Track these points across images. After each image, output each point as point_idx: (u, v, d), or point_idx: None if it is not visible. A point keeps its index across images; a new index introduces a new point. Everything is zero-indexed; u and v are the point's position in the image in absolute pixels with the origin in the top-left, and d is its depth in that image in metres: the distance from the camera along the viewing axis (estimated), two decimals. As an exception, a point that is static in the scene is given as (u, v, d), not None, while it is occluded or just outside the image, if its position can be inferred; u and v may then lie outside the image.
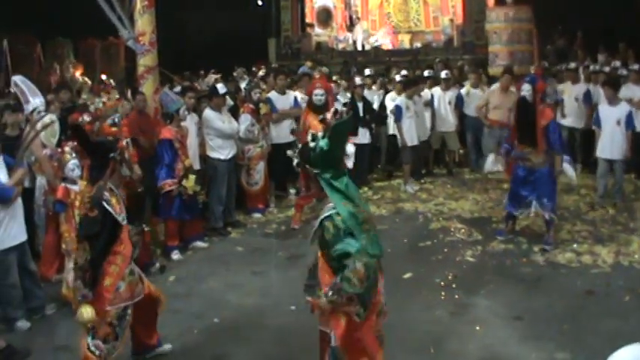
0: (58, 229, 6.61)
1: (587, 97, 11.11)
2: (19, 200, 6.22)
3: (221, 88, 9.13)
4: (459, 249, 8.01)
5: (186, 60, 18.55)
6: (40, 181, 7.29)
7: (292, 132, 9.09)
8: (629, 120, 9.19)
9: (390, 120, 11.44)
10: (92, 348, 4.70)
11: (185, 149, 8.20)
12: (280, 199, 10.52)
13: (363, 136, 10.83)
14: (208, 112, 8.88)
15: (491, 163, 8.59)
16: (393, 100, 11.47)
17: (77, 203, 6.44)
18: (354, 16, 25.40)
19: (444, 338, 5.70)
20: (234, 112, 9.62)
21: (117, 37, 11.40)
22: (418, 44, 24.18)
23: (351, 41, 25.04)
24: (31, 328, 6.20)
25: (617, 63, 12.72)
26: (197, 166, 8.57)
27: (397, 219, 9.29)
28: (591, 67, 12.67)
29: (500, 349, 5.50)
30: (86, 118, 5.24)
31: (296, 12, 25.29)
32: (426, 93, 11.73)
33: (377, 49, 23.60)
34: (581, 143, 11.27)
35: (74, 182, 6.50)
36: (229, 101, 9.84)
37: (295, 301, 6.53)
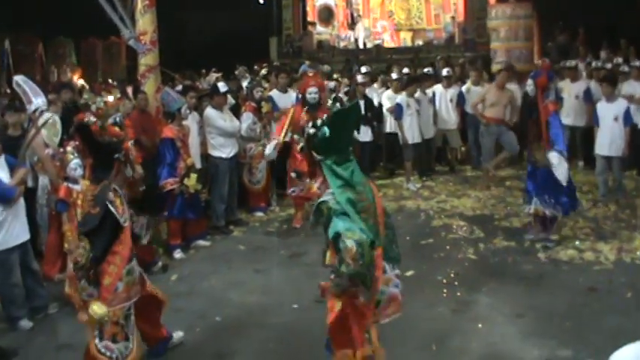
0: (61, 229, 6.61)
1: (588, 94, 11.07)
2: (22, 200, 6.24)
3: (222, 86, 9.13)
4: (460, 246, 8.01)
5: (187, 59, 18.57)
6: (43, 180, 7.29)
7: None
8: (627, 116, 9.14)
9: (388, 118, 11.43)
10: (102, 350, 4.71)
11: (187, 148, 8.20)
12: (282, 197, 10.51)
13: (365, 133, 10.85)
14: (210, 111, 8.88)
15: None
16: (389, 98, 11.47)
17: (79, 202, 6.46)
18: (355, 14, 25.40)
19: (446, 336, 5.69)
20: (236, 111, 9.62)
21: (118, 37, 11.39)
22: (420, 42, 24.19)
23: (352, 39, 25.04)
24: (34, 328, 6.21)
25: (619, 59, 12.68)
26: (199, 165, 8.57)
27: (399, 217, 9.28)
28: (593, 64, 12.67)
29: (502, 346, 5.50)
30: (92, 118, 5.27)
31: (297, 10, 25.29)
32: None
33: (378, 47, 23.60)
34: (583, 141, 11.23)
35: (76, 181, 6.49)
36: (231, 100, 9.84)
37: (297, 299, 6.57)
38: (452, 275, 7.10)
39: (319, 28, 25.74)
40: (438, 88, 12.12)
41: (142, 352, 5.15)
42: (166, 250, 8.13)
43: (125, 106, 9.18)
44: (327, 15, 25.70)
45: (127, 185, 5.29)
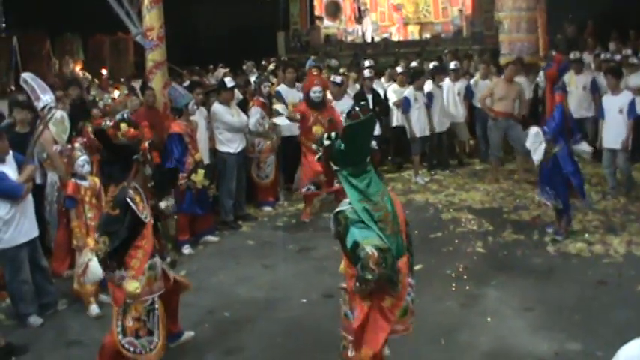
0: (70, 225, 6.64)
1: (594, 85, 11.00)
2: (30, 197, 6.26)
3: (229, 81, 9.13)
4: (469, 240, 7.99)
5: (195, 55, 18.58)
6: (52, 177, 7.31)
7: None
8: (631, 109, 8.97)
9: (395, 112, 11.40)
10: (126, 345, 4.80)
11: (195, 143, 8.21)
12: (290, 192, 10.52)
13: (373, 128, 10.81)
14: (217, 106, 8.89)
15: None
16: (395, 91, 11.44)
17: (87, 199, 6.49)
18: (362, 8, 25.37)
19: (455, 329, 5.68)
20: (244, 106, 9.62)
21: (126, 33, 11.43)
22: (427, 35, 24.14)
23: (360, 33, 25.01)
24: (44, 324, 6.23)
25: (628, 51, 12.58)
26: (207, 161, 8.58)
27: (408, 210, 9.21)
28: (602, 56, 12.59)
29: (511, 340, 5.49)
30: (108, 122, 5.34)
31: (305, 5, 25.31)
32: (427, 84, 11.58)
33: (386, 41, 23.57)
34: (592, 132, 11.12)
35: (84, 178, 6.52)
36: (238, 95, 9.84)
37: (306, 294, 6.58)
38: (460, 269, 7.09)
39: (327, 22, 25.75)
40: (446, 81, 12.07)
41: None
42: (175, 246, 8.14)
43: (132, 103, 9.21)
44: (334, 9, 25.70)
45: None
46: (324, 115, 8.91)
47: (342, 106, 9.35)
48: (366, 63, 12.76)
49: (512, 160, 11.35)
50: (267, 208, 9.76)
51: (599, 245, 7.54)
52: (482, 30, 21.46)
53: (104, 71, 18.65)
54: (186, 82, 10.42)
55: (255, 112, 9.45)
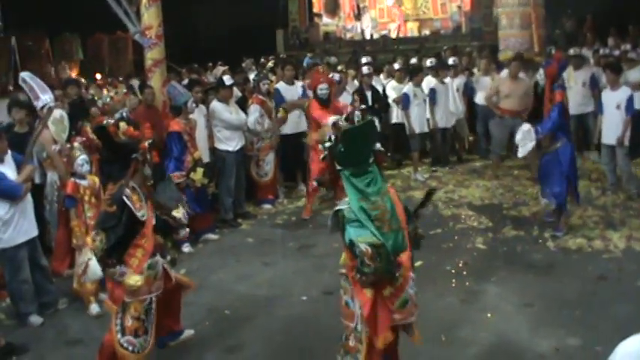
0: (69, 225, 6.64)
1: (594, 81, 10.95)
2: (29, 196, 6.26)
3: (227, 79, 9.13)
4: (469, 236, 8.00)
5: (194, 53, 18.57)
6: (52, 177, 7.30)
7: None
8: (630, 104, 8.83)
9: (395, 108, 11.39)
10: (125, 344, 4.80)
11: (194, 141, 8.21)
12: (290, 189, 10.52)
13: (372, 125, 10.79)
14: (215, 104, 8.89)
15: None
16: (394, 88, 11.44)
17: (87, 198, 6.50)
18: (361, 5, 25.35)
19: (456, 326, 5.69)
20: (243, 104, 9.62)
21: (125, 31, 11.42)
22: (426, 32, 24.13)
23: (359, 30, 25.00)
24: (44, 323, 6.23)
25: (628, 46, 12.57)
26: (207, 159, 8.58)
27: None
28: (601, 51, 12.56)
29: (511, 335, 5.49)
30: (109, 120, 5.36)
31: (303, 2, 25.32)
32: (429, 80, 11.56)
33: (385, 38, 23.55)
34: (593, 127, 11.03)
35: (83, 177, 6.53)
36: (237, 93, 9.83)
37: (306, 291, 6.58)
38: (461, 265, 7.09)
39: (325, 19, 25.75)
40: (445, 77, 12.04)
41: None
42: (175, 244, 8.13)
43: (131, 101, 9.20)
44: (333, 6, 25.70)
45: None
46: (330, 111, 8.89)
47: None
48: (364, 60, 12.74)
49: (512, 157, 11.33)
50: (267, 206, 9.76)
51: (599, 241, 7.53)
52: (481, 26, 21.41)
53: (98, 76, 18.64)
54: (185, 81, 10.43)
55: (254, 110, 9.45)
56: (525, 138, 7.61)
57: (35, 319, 6.22)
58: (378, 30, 24.84)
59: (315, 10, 25.72)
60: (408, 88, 10.98)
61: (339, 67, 12.63)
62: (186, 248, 8.11)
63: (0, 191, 5.92)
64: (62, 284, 6.77)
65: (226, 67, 14.27)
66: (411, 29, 24.75)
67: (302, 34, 24.23)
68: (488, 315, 5.88)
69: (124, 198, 4.69)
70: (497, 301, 6.18)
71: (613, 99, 8.95)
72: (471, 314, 5.93)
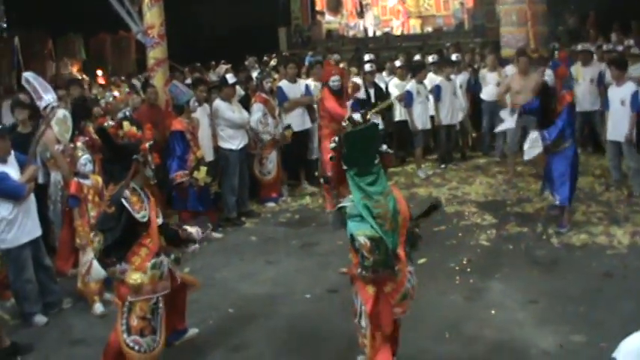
0: (73, 224, 6.65)
1: (601, 77, 10.88)
2: (32, 196, 6.26)
3: (230, 78, 9.14)
4: (473, 233, 7.98)
5: (197, 52, 18.58)
6: (55, 177, 7.30)
7: None
8: (635, 100, 8.67)
9: (398, 105, 11.36)
10: (131, 344, 4.79)
11: (196, 140, 8.22)
12: (293, 187, 10.52)
13: (375, 122, 10.78)
14: (218, 103, 8.89)
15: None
16: (396, 85, 11.42)
17: (90, 197, 6.50)
18: (364, 3, 25.33)
19: (460, 323, 5.68)
20: (246, 102, 9.61)
21: (127, 31, 11.43)
22: (429, 29, 24.09)
23: (362, 28, 24.97)
24: (48, 323, 6.24)
25: (631, 42, 12.51)
26: (210, 158, 8.59)
27: (411, 204, 9.07)
28: (604, 47, 12.52)
29: (515, 332, 5.48)
30: (110, 122, 5.38)
31: (306, 0, 25.25)
32: (432, 77, 11.54)
33: (388, 35, 23.53)
34: (600, 125, 10.92)
35: (86, 177, 6.54)
36: (240, 91, 9.83)
37: (310, 290, 6.58)
38: (464, 262, 7.08)
39: (328, 17, 25.72)
40: (447, 74, 12.01)
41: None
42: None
43: (134, 101, 9.20)
44: (335, 4, 25.67)
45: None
46: (343, 102, 8.86)
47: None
48: (366, 57, 12.71)
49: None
50: (271, 204, 9.75)
51: (604, 237, 7.51)
52: (483, 22, 21.36)
53: (99, 72, 18.66)
54: (188, 80, 10.43)
55: (258, 108, 9.44)
56: (532, 146, 7.65)
57: (39, 319, 6.22)
58: (381, 27, 24.81)
59: (318, 7, 25.69)
60: (410, 85, 10.95)
61: (342, 65, 12.63)
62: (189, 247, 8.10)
63: (3, 191, 5.93)
64: (66, 284, 6.77)
65: (229, 66, 14.28)
66: (414, 26, 24.71)
67: (304, 32, 24.21)
68: (493, 312, 5.87)
69: (123, 200, 4.69)
70: (502, 297, 6.17)
71: (618, 95, 8.87)
72: (475, 311, 5.92)
